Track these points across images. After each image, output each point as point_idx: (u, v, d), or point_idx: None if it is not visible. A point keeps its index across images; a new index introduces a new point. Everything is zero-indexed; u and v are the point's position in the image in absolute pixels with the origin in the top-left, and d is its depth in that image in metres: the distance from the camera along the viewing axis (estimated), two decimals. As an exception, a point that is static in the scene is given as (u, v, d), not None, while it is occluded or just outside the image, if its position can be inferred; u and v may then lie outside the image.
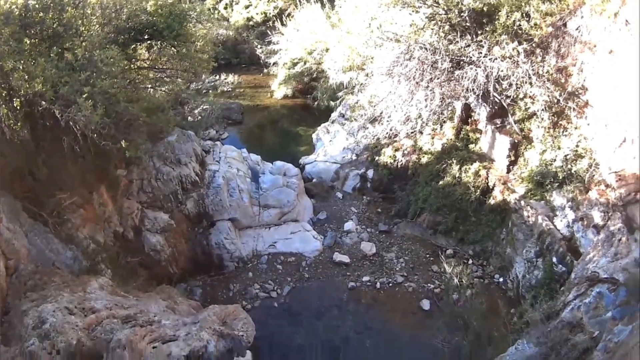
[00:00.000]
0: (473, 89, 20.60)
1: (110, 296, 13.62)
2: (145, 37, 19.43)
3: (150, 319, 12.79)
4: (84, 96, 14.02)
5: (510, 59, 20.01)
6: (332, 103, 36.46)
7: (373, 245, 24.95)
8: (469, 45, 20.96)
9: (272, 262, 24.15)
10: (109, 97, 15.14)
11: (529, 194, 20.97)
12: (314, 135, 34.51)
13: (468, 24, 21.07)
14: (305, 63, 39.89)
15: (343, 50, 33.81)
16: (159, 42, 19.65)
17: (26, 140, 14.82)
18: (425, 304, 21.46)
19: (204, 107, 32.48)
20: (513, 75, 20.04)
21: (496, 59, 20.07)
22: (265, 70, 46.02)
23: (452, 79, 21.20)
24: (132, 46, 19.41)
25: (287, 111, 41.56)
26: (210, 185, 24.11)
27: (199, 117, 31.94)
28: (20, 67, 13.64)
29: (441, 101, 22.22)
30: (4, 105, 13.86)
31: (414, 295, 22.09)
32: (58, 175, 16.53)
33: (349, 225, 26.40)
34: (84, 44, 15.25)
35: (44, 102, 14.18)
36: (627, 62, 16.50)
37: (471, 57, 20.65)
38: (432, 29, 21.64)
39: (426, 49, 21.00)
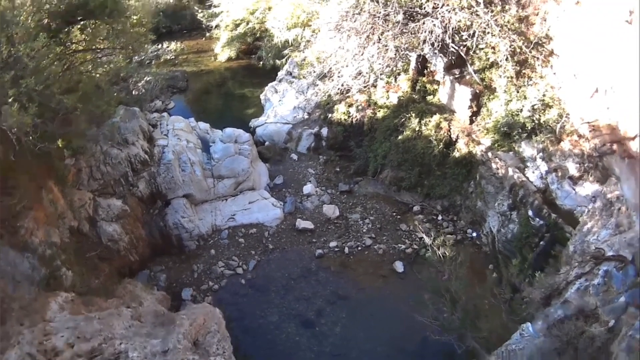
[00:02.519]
0: (430, 41, 19.74)
1: (72, 319, 12.47)
2: (78, 18, 17.82)
3: (117, 349, 11.79)
4: (9, 100, 12.57)
5: (469, 9, 19.14)
6: (278, 62, 35.32)
7: (336, 207, 24.17)
8: (422, -4, 20.02)
9: (234, 236, 23.18)
10: (40, 92, 13.65)
11: (496, 145, 20.40)
12: (262, 96, 33.16)
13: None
14: (247, 23, 38.59)
15: (286, 7, 32.66)
16: (92, 21, 18.06)
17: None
18: (399, 266, 20.97)
19: (147, 79, 30.98)
20: (472, 25, 19.24)
21: (454, 9, 19.13)
22: (208, 34, 44.74)
23: (406, 31, 20.26)
24: (65, 30, 17.77)
25: (231, 73, 40.26)
26: (161, 162, 22.76)
27: (144, 90, 30.42)
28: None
29: (395, 54, 21.25)
30: None
31: (385, 257, 21.55)
32: (4, 182, 15.13)
33: (308, 188, 25.49)
34: (15, 35, 13.70)
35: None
36: (597, 13, 15.95)
37: (426, 9, 19.68)
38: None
39: (377, 1, 20.00)
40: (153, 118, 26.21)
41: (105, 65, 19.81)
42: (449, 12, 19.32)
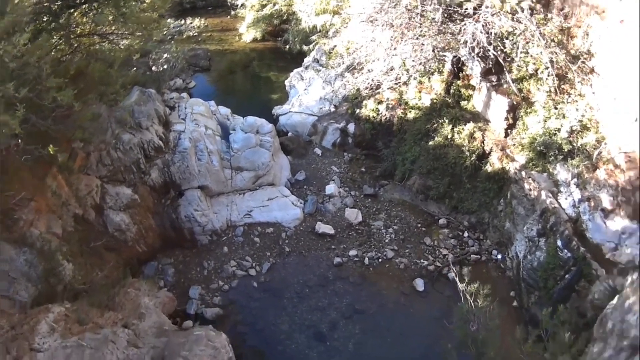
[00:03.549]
0: (471, 44, 18.77)
1: (61, 347, 11.75)
2: (80, 1, 16.77)
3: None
4: None
5: (513, 14, 18.02)
6: (305, 47, 33.98)
7: (359, 212, 23.01)
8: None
9: (249, 234, 22.19)
10: (30, 90, 12.62)
11: (530, 164, 19.15)
12: (286, 82, 32.05)
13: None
14: (274, 5, 37.37)
15: (315, -9, 31.36)
16: (94, 4, 17.00)
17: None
18: (419, 284, 19.90)
19: (168, 56, 29.97)
20: (514, 32, 18.09)
21: (498, 12, 18.09)
22: (233, 13, 43.14)
23: (444, 31, 19.21)
24: (65, 14, 16.72)
25: (256, 55, 38.98)
26: (176, 149, 21.77)
27: (164, 67, 29.38)
28: None
29: (432, 53, 20.16)
30: None
31: (406, 273, 20.48)
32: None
33: (331, 188, 24.26)
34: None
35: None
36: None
37: (467, 9, 18.60)
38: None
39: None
40: (171, 99, 25.36)
41: (115, 51, 18.82)
42: (492, 15, 18.24)
